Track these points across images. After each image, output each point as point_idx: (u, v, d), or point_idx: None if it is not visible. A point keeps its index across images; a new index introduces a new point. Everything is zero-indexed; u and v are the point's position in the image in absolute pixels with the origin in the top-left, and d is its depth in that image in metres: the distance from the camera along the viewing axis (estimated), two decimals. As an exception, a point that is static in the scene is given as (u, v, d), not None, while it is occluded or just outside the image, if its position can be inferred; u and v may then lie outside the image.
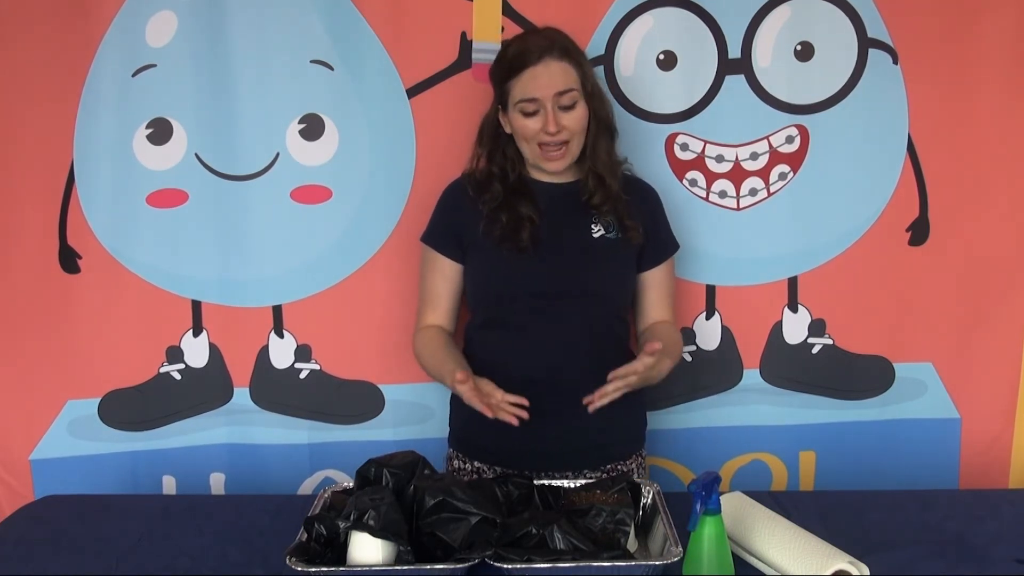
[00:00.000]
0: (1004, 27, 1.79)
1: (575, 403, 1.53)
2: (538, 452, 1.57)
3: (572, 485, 1.42)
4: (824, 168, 1.84)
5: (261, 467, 1.90)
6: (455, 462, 1.68)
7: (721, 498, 1.17)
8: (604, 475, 1.56)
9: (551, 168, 1.57)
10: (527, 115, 1.54)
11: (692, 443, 1.92)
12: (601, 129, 1.59)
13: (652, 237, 1.65)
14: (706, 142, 1.84)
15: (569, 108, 1.54)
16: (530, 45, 1.55)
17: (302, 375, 1.89)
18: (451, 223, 1.63)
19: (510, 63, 1.56)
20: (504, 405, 1.44)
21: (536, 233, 1.57)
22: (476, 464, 1.64)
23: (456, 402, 1.69)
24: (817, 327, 1.91)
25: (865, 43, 1.81)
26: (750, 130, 1.83)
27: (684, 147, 1.84)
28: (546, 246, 1.57)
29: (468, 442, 1.67)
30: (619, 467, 1.63)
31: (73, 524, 1.49)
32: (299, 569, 1.18)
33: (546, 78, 1.52)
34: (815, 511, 1.45)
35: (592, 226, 1.60)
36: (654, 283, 1.67)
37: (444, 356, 1.59)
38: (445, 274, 1.64)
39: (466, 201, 1.62)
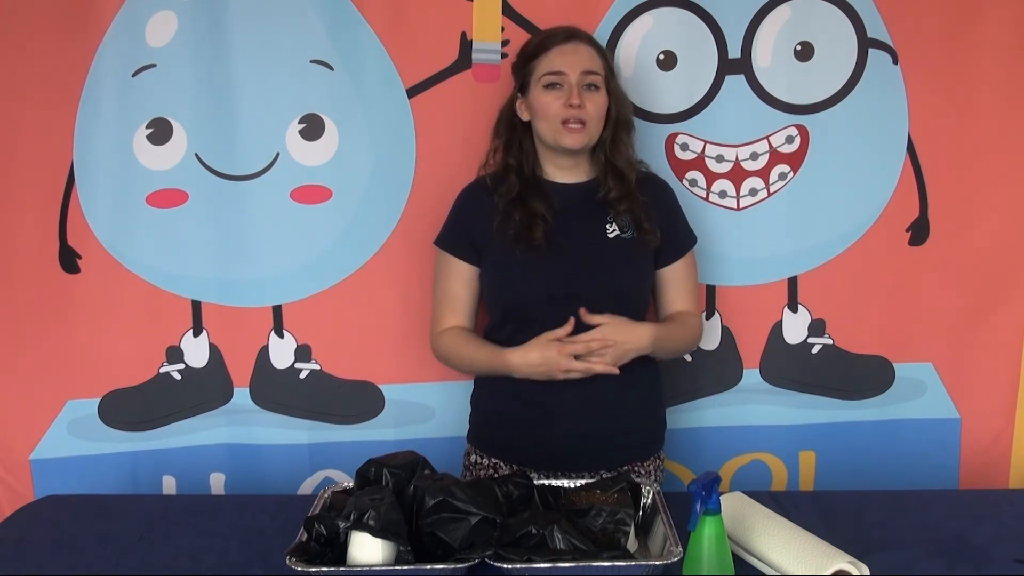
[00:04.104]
0: (1004, 27, 1.79)
1: (593, 404, 1.54)
2: (556, 452, 1.57)
3: (572, 485, 1.42)
4: (824, 168, 1.84)
5: (261, 467, 1.90)
6: (472, 456, 1.68)
7: (721, 498, 1.17)
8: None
9: (569, 143, 1.56)
10: (550, 89, 1.56)
11: (692, 443, 1.92)
12: (621, 124, 1.61)
13: (669, 233, 1.64)
14: (706, 142, 1.84)
15: (592, 91, 1.56)
16: (559, 30, 1.61)
17: (302, 375, 1.89)
18: (465, 225, 1.63)
19: (537, 44, 1.60)
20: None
21: (550, 232, 1.57)
22: (494, 460, 1.64)
23: (477, 400, 1.71)
24: (817, 327, 1.91)
25: (865, 43, 1.81)
26: (750, 130, 1.83)
27: (684, 147, 1.84)
28: (560, 246, 1.57)
29: (487, 440, 1.67)
30: (637, 468, 1.63)
31: (73, 524, 1.49)
32: (299, 569, 1.18)
33: (574, 56, 1.56)
34: (815, 511, 1.45)
35: (607, 226, 1.60)
36: (673, 278, 1.67)
37: (480, 343, 1.61)
38: (462, 277, 1.64)
39: (481, 201, 1.62)
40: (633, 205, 1.59)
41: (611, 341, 1.49)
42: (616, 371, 1.50)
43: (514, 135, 1.63)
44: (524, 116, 1.62)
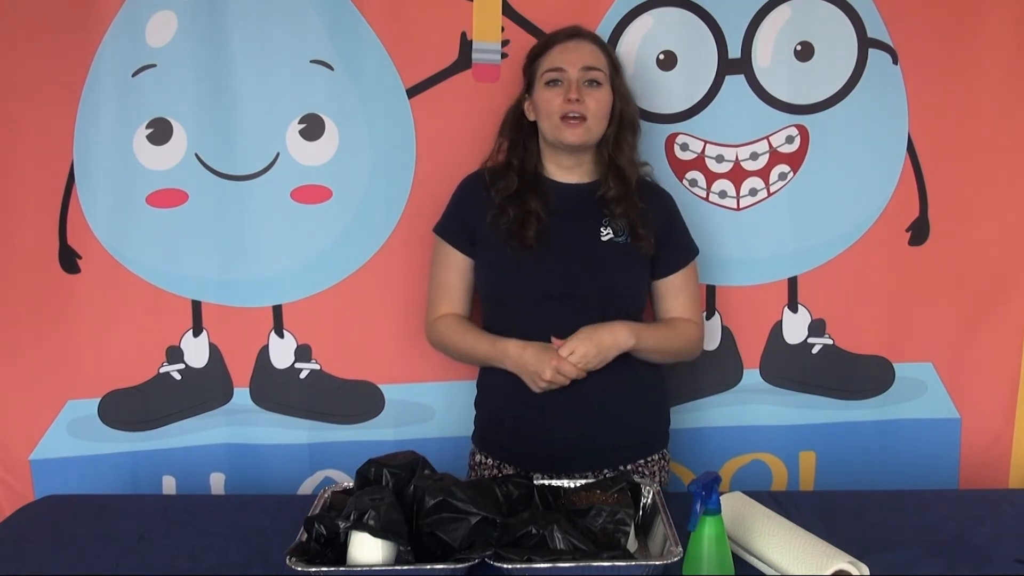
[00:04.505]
0: (1004, 27, 1.79)
1: (595, 405, 1.55)
2: (558, 453, 1.57)
3: (572, 485, 1.42)
4: (824, 168, 1.84)
5: (261, 467, 1.90)
6: (477, 456, 1.68)
7: (721, 498, 1.17)
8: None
9: (568, 138, 1.56)
10: (551, 86, 1.57)
11: (692, 443, 1.92)
12: (626, 123, 1.62)
13: (668, 244, 1.64)
14: (706, 142, 1.84)
15: (593, 87, 1.56)
16: (563, 29, 1.62)
17: (302, 375, 1.89)
18: (464, 216, 1.64)
19: (542, 44, 1.63)
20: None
21: (543, 231, 1.57)
22: (497, 460, 1.65)
23: (481, 401, 1.71)
24: (817, 327, 1.91)
25: (865, 43, 1.81)
26: (750, 130, 1.83)
27: (684, 147, 1.84)
28: (552, 246, 1.57)
29: (491, 441, 1.67)
30: (640, 468, 1.63)
31: (73, 524, 1.49)
32: (299, 569, 1.18)
33: (575, 52, 1.58)
34: (815, 511, 1.45)
35: (601, 229, 1.60)
36: (672, 289, 1.66)
37: (479, 332, 1.62)
38: (457, 267, 1.65)
39: (481, 193, 1.63)
40: (630, 209, 1.59)
41: (583, 355, 1.48)
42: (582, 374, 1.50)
43: (519, 135, 1.64)
44: (531, 116, 1.63)
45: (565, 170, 1.63)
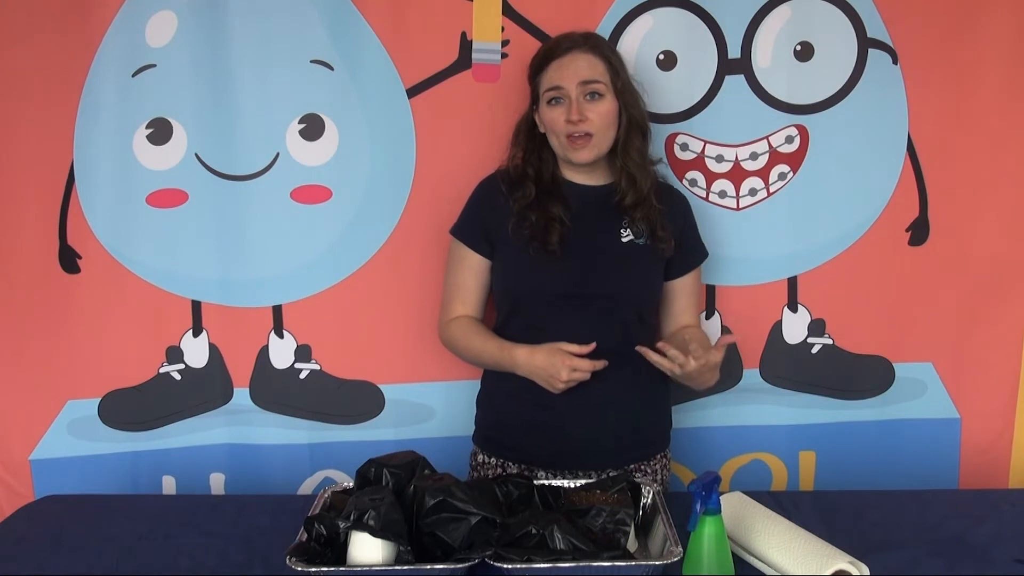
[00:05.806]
0: (1004, 27, 1.79)
1: (601, 403, 1.55)
2: (564, 451, 1.58)
3: (572, 485, 1.42)
4: (824, 168, 1.84)
5: (261, 467, 1.90)
6: (480, 456, 1.68)
7: (721, 498, 1.17)
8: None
9: (577, 158, 1.57)
10: (552, 105, 1.56)
11: (692, 443, 1.92)
12: (633, 126, 1.61)
13: (682, 246, 1.65)
14: (706, 142, 1.84)
15: (594, 99, 1.55)
16: (560, 41, 1.61)
17: (302, 375, 1.89)
18: (482, 218, 1.64)
19: (540, 58, 1.61)
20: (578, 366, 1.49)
21: (565, 235, 1.57)
22: (500, 460, 1.65)
23: (484, 401, 1.71)
24: (817, 327, 1.91)
25: (865, 43, 1.81)
26: (750, 130, 1.83)
27: (684, 147, 1.84)
28: (574, 248, 1.57)
29: (495, 441, 1.67)
30: (643, 467, 1.64)
31: (73, 524, 1.49)
32: (299, 569, 1.18)
33: (571, 68, 1.56)
34: (815, 511, 1.46)
35: (622, 231, 1.61)
36: (683, 290, 1.69)
37: (489, 336, 1.62)
38: (473, 269, 1.65)
39: (498, 197, 1.62)
40: (649, 212, 1.60)
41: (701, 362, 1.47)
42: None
43: (533, 145, 1.64)
44: (542, 129, 1.63)
45: (582, 174, 1.64)
